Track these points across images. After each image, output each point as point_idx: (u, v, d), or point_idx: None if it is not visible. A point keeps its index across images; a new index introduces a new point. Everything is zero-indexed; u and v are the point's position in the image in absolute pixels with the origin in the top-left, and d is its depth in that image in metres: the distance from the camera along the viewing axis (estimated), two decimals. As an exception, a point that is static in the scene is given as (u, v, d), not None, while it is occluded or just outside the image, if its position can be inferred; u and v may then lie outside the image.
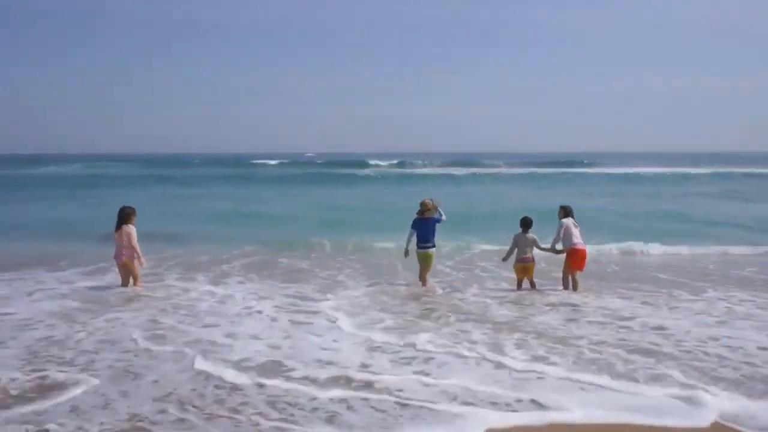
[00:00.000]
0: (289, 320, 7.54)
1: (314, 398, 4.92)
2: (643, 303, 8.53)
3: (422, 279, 9.70)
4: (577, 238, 9.37)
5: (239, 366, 5.69)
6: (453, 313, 7.90)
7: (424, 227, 9.60)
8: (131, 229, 9.19)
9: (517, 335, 6.78)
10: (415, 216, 9.74)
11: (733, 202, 25.62)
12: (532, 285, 9.52)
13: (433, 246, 9.65)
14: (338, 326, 7.21)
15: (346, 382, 5.29)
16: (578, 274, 9.42)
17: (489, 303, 8.56)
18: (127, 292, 9.13)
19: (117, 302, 8.53)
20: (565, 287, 9.41)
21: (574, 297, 8.92)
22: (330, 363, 5.78)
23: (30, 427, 4.34)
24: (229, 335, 6.85)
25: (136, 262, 9.30)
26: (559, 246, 9.53)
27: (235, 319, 7.63)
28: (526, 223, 9.60)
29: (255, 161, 71.40)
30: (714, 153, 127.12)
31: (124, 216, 9.30)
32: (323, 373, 5.48)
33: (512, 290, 9.46)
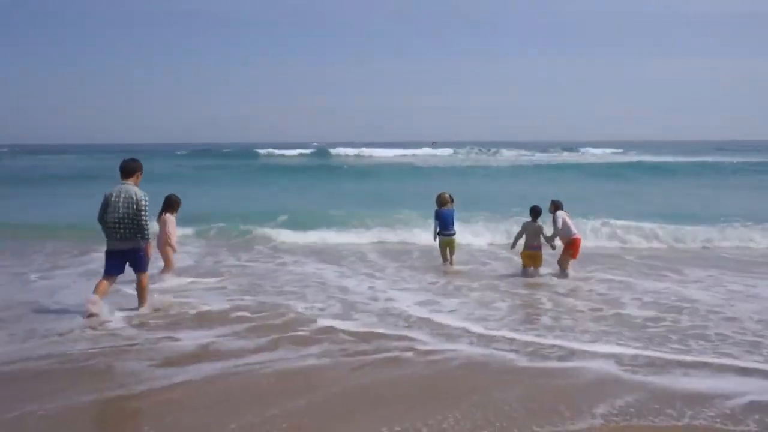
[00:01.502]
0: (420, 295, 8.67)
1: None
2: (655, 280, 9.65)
3: (445, 259, 10.86)
4: (575, 228, 10.02)
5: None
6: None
7: (447, 216, 10.77)
8: (168, 217, 9.50)
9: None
10: (437, 208, 10.88)
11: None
12: (538, 273, 9.91)
13: (454, 233, 10.85)
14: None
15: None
16: (571, 262, 9.94)
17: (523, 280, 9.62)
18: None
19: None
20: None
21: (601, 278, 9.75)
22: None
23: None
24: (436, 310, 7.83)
25: (168, 249, 9.54)
26: (557, 242, 10.01)
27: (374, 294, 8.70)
28: (536, 212, 10.11)
29: (259, 151, 67.05)
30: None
31: (173, 204, 9.63)
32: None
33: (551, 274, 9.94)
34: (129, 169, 7.46)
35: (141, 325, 7.11)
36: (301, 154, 63.13)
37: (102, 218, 7.36)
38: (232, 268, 10.83)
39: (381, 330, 6.99)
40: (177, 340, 6.57)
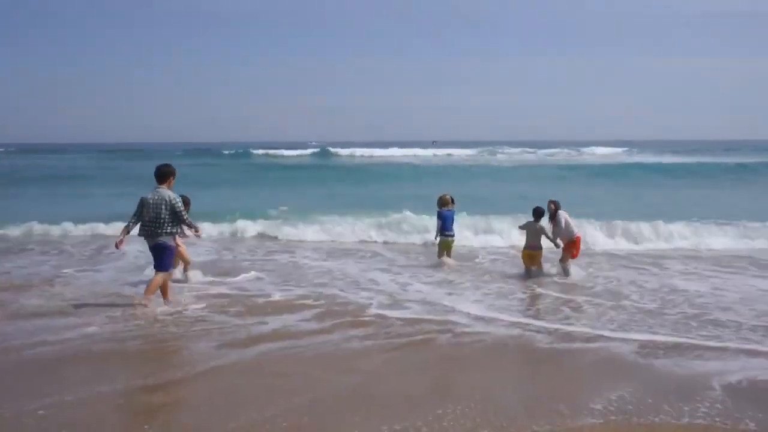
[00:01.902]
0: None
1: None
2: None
3: (440, 257, 11.02)
4: (575, 228, 10.14)
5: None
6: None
7: (448, 218, 11.01)
8: None
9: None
10: (440, 209, 11.09)
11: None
12: (541, 272, 10.00)
13: (454, 234, 11.14)
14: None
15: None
16: (570, 260, 10.07)
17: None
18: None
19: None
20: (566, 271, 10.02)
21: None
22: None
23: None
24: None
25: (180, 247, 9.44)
26: (559, 241, 10.03)
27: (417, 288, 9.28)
28: (538, 213, 10.17)
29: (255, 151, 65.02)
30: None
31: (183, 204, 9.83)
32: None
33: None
34: (162, 174, 8.07)
35: (222, 312, 7.86)
36: (300, 155, 62.45)
37: (139, 218, 7.93)
38: (254, 263, 11.34)
39: (427, 316, 7.74)
40: (263, 323, 7.35)
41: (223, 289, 9.11)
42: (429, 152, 65.72)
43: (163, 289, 8.08)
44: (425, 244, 13.30)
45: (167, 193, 7.90)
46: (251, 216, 15.96)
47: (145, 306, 7.79)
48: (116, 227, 14.59)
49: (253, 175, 35.63)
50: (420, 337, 6.84)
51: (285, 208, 16.52)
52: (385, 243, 14.02)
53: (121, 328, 7.08)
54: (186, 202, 9.70)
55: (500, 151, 68.80)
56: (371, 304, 8.29)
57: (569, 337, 6.87)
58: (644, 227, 14.14)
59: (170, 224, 7.87)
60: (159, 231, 7.81)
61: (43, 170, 39.54)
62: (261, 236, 14.72)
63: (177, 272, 9.39)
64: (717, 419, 4.76)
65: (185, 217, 7.95)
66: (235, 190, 26.39)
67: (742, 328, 7.16)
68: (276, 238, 14.50)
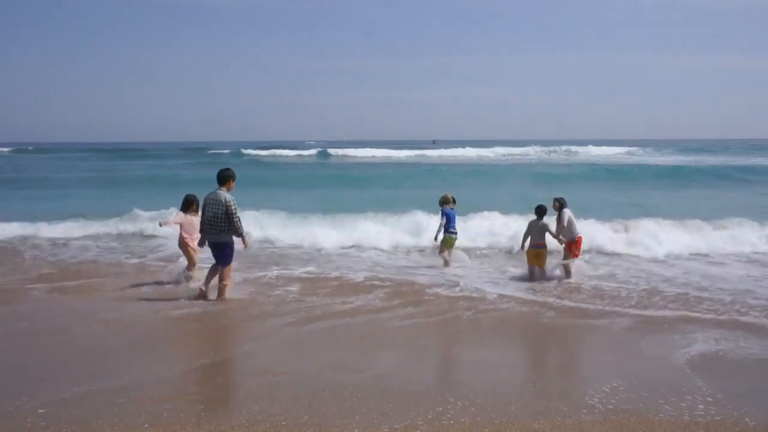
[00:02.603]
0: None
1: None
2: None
3: (443, 254, 11.27)
4: (578, 227, 10.23)
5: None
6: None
7: (452, 216, 11.24)
8: (185, 217, 9.85)
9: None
10: (443, 207, 11.28)
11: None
12: (543, 274, 10.08)
13: (456, 232, 11.32)
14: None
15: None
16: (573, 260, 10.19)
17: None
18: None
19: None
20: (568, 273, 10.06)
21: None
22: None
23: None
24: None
25: (188, 248, 9.82)
26: (561, 237, 10.10)
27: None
28: (541, 211, 10.27)
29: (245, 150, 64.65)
30: None
31: (188, 204, 9.98)
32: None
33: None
34: (222, 178, 8.73)
35: (314, 294, 9.06)
36: (300, 154, 62.48)
37: (202, 216, 8.77)
38: (288, 255, 12.38)
39: (471, 294, 9.13)
40: (348, 303, 8.55)
41: (301, 274, 10.43)
42: (429, 152, 65.74)
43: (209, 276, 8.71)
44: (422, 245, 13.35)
45: (224, 194, 8.50)
46: (253, 215, 15.80)
47: (227, 298, 8.58)
48: (123, 223, 15.31)
49: (253, 174, 34.41)
50: (451, 314, 7.97)
51: (292, 214, 16.32)
52: (391, 240, 13.75)
53: (211, 309, 8.22)
54: (191, 202, 10.03)
55: (501, 149, 69.21)
56: (428, 284, 9.61)
57: (582, 314, 7.98)
58: (643, 224, 14.38)
59: (228, 223, 8.45)
60: (218, 229, 8.46)
61: (43, 171, 39.42)
62: (265, 234, 14.46)
63: (179, 272, 9.90)
64: (716, 416, 4.89)
65: (237, 222, 8.45)
66: (235, 190, 26.34)
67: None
68: (294, 235, 14.45)
